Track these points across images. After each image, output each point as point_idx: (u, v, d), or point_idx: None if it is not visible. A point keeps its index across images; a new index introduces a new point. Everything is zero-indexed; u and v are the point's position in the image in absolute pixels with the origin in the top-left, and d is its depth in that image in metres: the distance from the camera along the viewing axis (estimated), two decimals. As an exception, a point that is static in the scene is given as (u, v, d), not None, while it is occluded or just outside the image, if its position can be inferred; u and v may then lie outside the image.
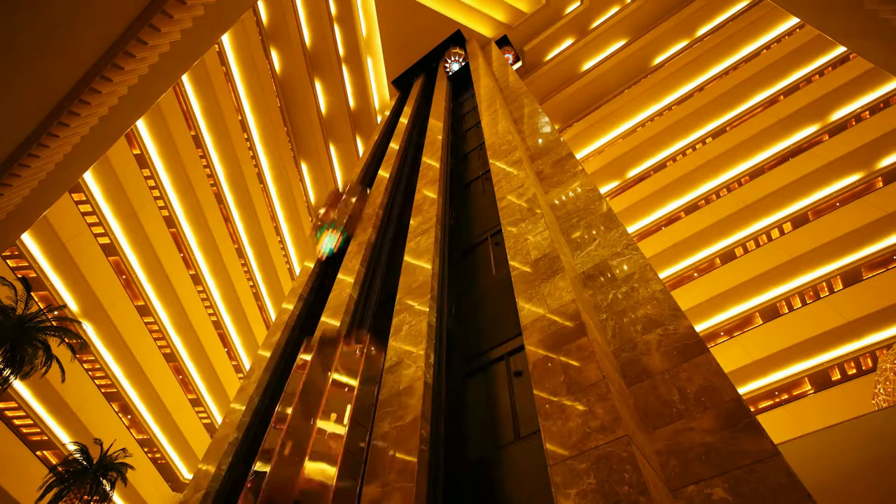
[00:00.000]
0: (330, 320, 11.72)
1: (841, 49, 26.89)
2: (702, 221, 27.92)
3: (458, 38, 35.47)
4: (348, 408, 6.75)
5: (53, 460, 27.63)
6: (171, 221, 34.25)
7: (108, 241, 30.33)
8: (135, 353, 32.43)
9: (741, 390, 22.69)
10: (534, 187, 9.89)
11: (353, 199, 16.60)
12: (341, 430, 6.39)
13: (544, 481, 5.07)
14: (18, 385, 26.21)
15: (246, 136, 38.14)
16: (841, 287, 22.99)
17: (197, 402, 38.34)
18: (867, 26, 9.76)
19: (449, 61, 29.65)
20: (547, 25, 36.55)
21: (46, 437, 28.42)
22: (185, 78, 32.06)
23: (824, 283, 23.51)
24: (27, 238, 26.39)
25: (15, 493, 25.16)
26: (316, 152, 40.98)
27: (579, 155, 35.83)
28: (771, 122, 27.85)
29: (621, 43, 35.89)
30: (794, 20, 29.43)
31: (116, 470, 25.32)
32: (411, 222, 12.80)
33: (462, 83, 29.26)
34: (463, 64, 24.66)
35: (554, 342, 5.98)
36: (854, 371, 21.44)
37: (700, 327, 25.51)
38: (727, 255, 27.11)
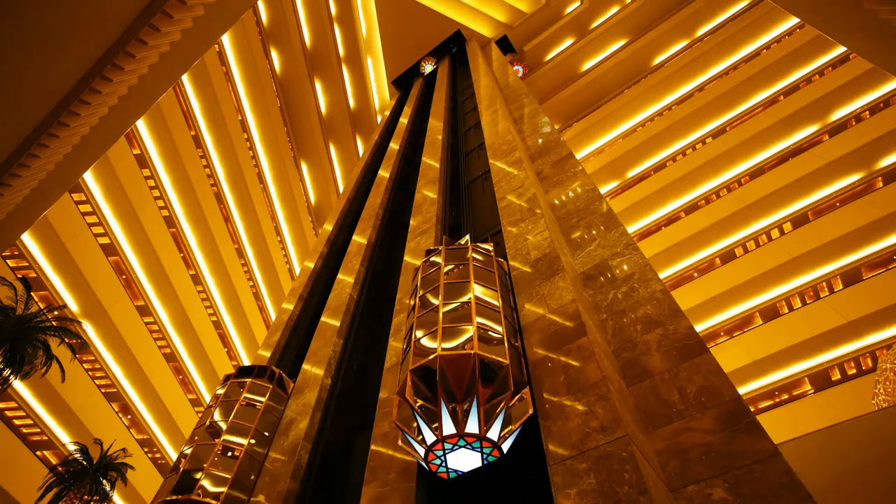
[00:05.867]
0: (330, 320, 11.73)
1: (841, 49, 26.88)
2: (702, 221, 27.90)
3: (458, 38, 35.47)
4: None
5: (53, 460, 27.62)
6: (171, 221, 34.25)
7: (108, 241, 30.32)
8: (135, 353, 32.42)
9: (741, 390, 22.68)
10: (534, 187, 9.89)
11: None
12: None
13: (544, 481, 5.07)
14: (18, 385, 26.20)
15: (246, 136, 38.14)
16: (841, 287, 22.97)
17: (197, 402, 38.33)
18: (867, 26, 9.76)
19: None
20: (547, 25, 36.56)
21: (46, 437, 28.41)
22: (185, 78, 32.05)
23: (824, 283, 23.49)
24: (27, 238, 26.38)
25: (15, 493, 25.15)
26: (316, 152, 40.99)
27: (579, 155, 35.82)
28: (771, 122, 27.83)
29: (621, 43, 35.89)
30: (794, 20, 29.42)
31: (116, 470, 25.30)
32: (411, 222, 12.79)
33: (462, 83, 29.25)
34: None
35: (554, 342, 5.98)
36: (854, 371, 21.42)
37: (700, 327, 25.49)
38: (727, 255, 27.09)
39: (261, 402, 9.59)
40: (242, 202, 39.11)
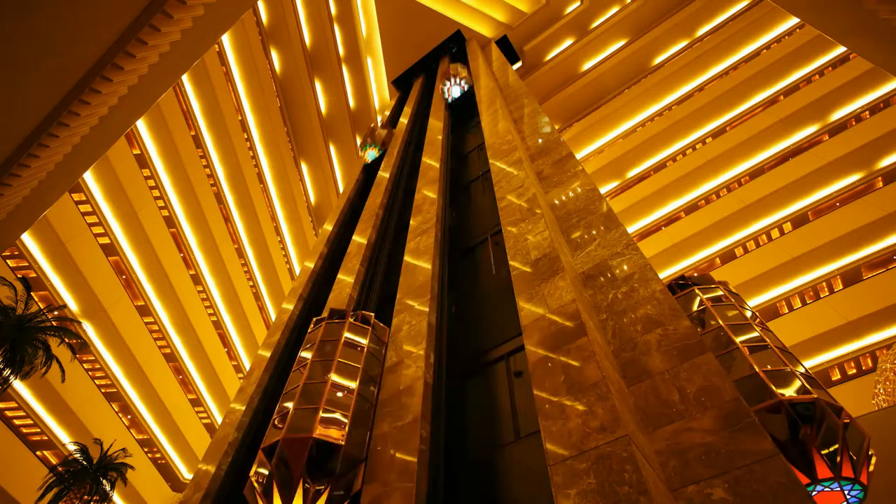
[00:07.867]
0: (330, 320, 11.70)
1: (841, 49, 26.87)
2: (702, 221, 27.89)
3: (458, 38, 35.45)
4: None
5: (53, 460, 27.62)
6: (171, 221, 34.24)
7: (108, 241, 30.31)
8: (135, 353, 32.41)
9: (741, 390, 22.61)
10: (534, 187, 9.89)
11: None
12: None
13: (545, 481, 5.07)
14: (18, 385, 26.20)
15: (246, 136, 38.13)
16: (841, 287, 22.96)
17: (197, 402, 38.33)
18: (867, 26, 9.76)
19: (447, 84, 23.00)
20: (547, 25, 36.54)
21: (46, 437, 28.41)
22: (185, 78, 32.05)
23: (824, 283, 23.48)
24: (27, 238, 26.37)
25: (15, 493, 25.15)
26: (316, 152, 40.97)
27: (579, 155, 35.81)
28: (771, 122, 27.82)
29: (621, 43, 35.88)
30: (794, 20, 29.41)
31: (116, 470, 25.30)
32: (411, 222, 12.80)
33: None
34: (466, 88, 20.51)
35: (554, 342, 5.98)
36: (854, 371, 21.42)
37: (700, 327, 25.42)
38: (727, 255, 27.09)
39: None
40: (242, 202, 39.10)
